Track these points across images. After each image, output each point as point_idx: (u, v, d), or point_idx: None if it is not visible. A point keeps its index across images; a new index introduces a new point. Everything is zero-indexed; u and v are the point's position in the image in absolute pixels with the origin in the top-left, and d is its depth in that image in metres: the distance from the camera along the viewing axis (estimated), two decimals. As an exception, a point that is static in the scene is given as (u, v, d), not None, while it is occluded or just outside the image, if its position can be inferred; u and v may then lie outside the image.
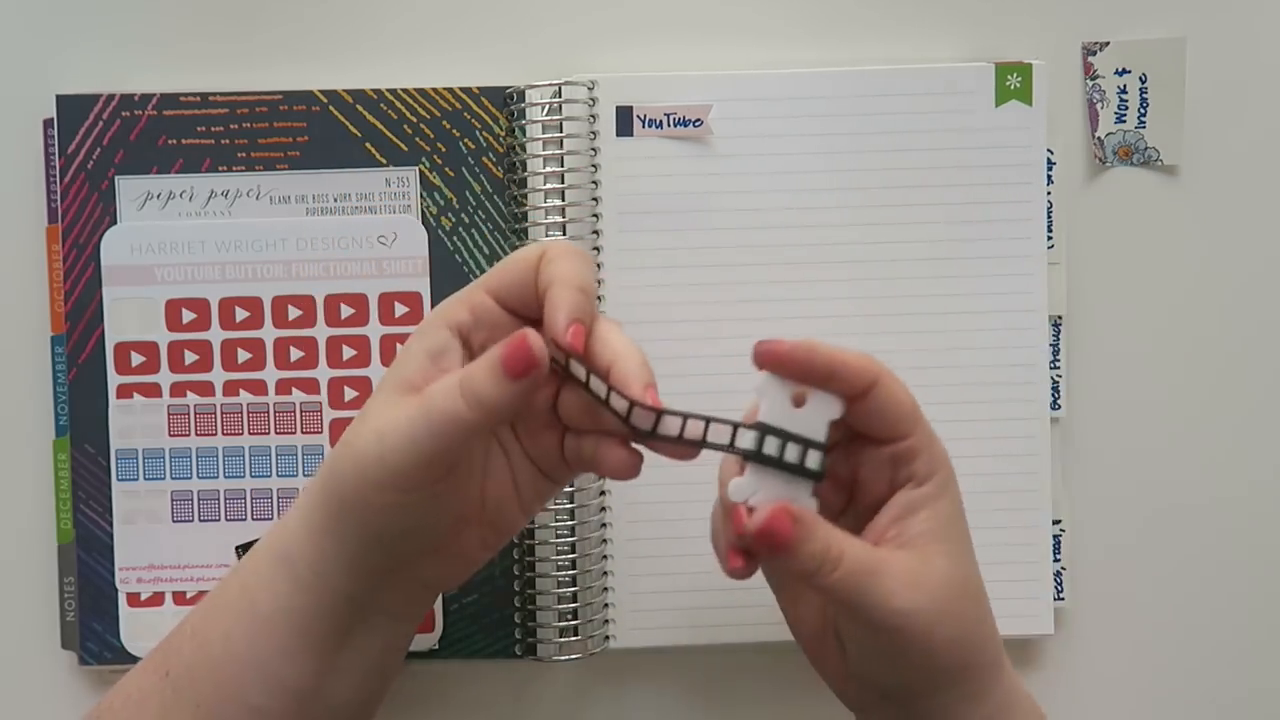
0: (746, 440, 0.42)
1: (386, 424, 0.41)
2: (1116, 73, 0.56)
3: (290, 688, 0.44)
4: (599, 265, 0.54)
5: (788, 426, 0.42)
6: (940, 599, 0.42)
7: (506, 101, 0.55)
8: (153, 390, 0.54)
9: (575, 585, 0.54)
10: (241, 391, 0.55)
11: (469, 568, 0.46)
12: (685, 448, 0.43)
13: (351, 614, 0.44)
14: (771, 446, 0.42)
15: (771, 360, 0.42)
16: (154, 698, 0.45)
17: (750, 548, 0.42)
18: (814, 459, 0.42)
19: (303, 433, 0.55)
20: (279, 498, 0.55)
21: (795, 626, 0.47)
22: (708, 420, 0.42)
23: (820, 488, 0.43)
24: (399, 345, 0.54)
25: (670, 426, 0.42)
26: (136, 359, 0.54)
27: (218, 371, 0.55)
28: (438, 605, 0.54)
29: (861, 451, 0.44)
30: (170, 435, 0.54)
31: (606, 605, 0.55)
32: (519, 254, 0.44)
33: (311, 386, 0.55)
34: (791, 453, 0.42)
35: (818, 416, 0.43)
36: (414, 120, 0.55)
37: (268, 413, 0.55)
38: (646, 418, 0.42)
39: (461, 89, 0.55)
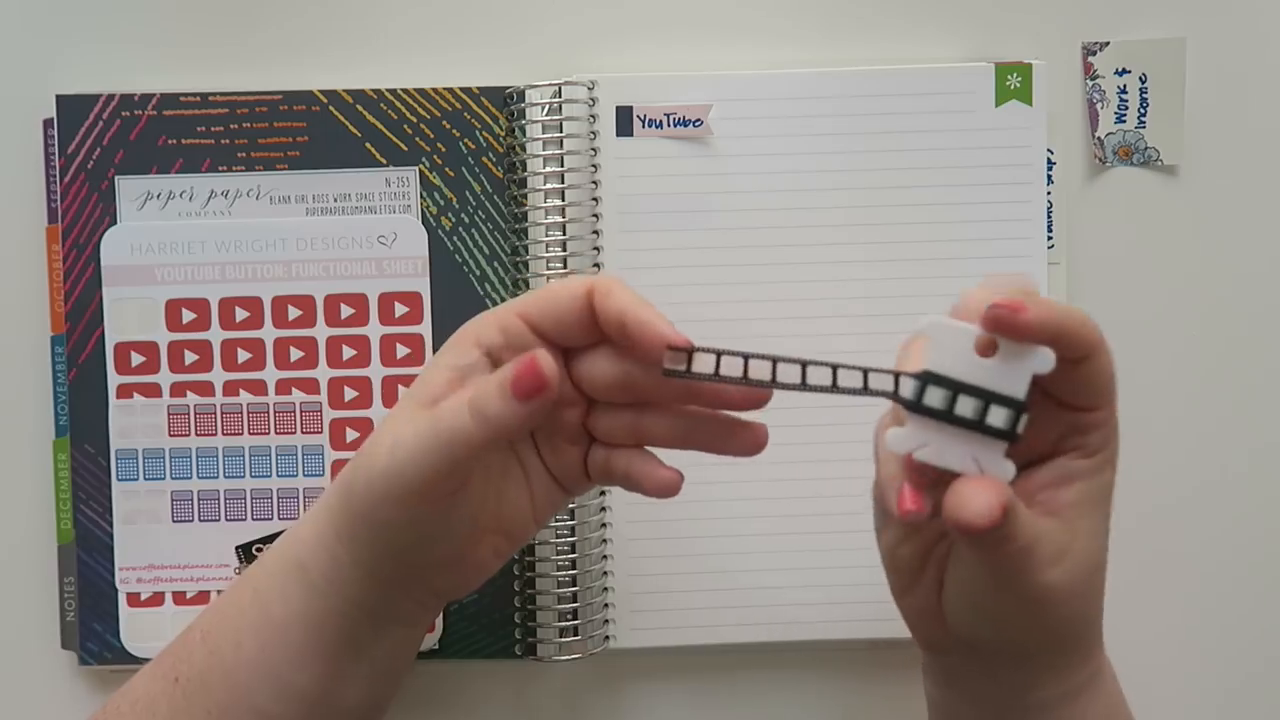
0: (907, 389, 0.38)
1: (399, 437, 0.41)
2: (1116, 73, 0.56)
3: (301, 693, 0.44)
4: (598, 265, 0.54)
5: (965, 377, 0.38)
6: (1079, 575, 0.41)
7: (506, 101, 0.55)
8: (153, 390, 0.54)
9: (575, 585, 0.54)
10: (241, 391, 0.55)
11: (481, 576, 0.46)
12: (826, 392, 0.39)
13: (363, 621, 0.44)
14: (936, 398, 0.38)
15: (1007, 329, 0.38)
16: (163, 701, 0.45)
17: (954, 530, 0.38)
18: (1000, 416, 0.38)
19: (303, 433, 0.54)
20: (279, 498, 0.55)
21: (891, 561, 0.45)
22: (834, 368, 0.39)
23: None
24: (399, 346, 0.54)
25: (818, 377, 0.39)
26: (136, 359, 0.54)
27: (218, 371, 0.55)
28: (438, 605, 0.54)
29: (1039, 405, 0.40)
30: (170, 435, 0.54)
31: (606, 605, 0.55)
32: (564, 286, 0.43)
33: (311, 386, 0.55)
34: (965, 406, 0.38)
35: (1015, 368, 0.38)
36: (414, 120, 0.55)
37: (268, 413, 0.55)
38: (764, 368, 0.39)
39: (461, 89, 0.55)
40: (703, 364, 0.40)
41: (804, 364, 0.40)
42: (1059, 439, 0.42)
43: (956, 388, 0.38)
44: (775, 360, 0.40)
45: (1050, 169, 0.55)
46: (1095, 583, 0.43)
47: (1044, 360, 0.38)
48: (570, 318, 0.43)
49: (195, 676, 0.44)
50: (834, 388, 0.39)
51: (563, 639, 0.54)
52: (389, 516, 0.42)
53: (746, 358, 0.40)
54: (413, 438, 0.41)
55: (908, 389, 0.38)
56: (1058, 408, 0.41)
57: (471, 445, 0.40)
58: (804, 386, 0.40)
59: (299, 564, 0.44)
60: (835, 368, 0.39)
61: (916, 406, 0.38)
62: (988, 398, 0.38)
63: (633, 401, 0.44)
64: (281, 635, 0.44)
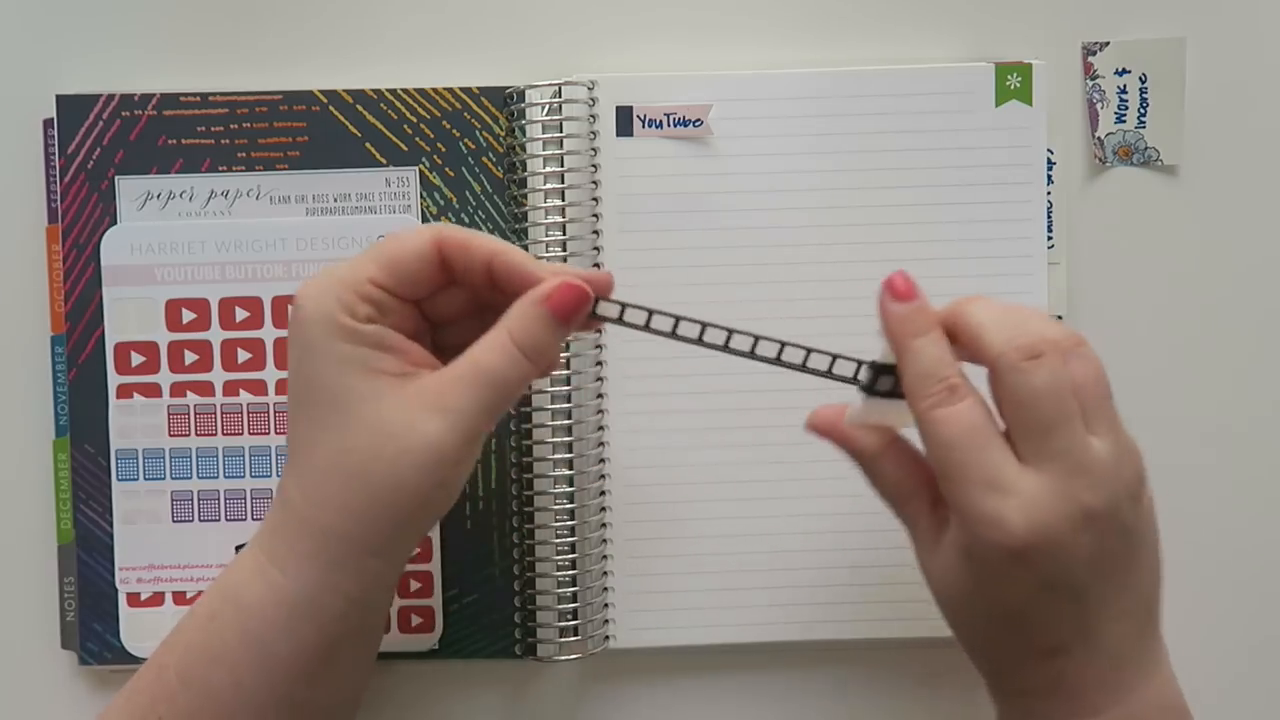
0: (864, 376, 0.45)
1: (446, 403, 0.42)
2: (1116, 73, 0.56)
3: (313, 704, 0.45)
4: (598, 265, 0.54)
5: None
6: (1034, 519, 0.41)
7: (506, 101, 0.55)
8: (153, 390, 0.54)
9: (575, 585, 0.54)
10: (241, 391, 0.55)
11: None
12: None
13: (371, 615, 0.46)
14: (887, 385, 0.45)
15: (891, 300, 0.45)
16: None
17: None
18: (886, 383, 0.45)
19: (303, 433, 0.54)
20: (279, 498, 0.55)
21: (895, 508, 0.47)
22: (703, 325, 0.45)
23: None
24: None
25: (784, 354, 0.46)
26: (136, 359, 0.54)
27: (218, 371, 0.55)
28: (438, 606, 0.54)
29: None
30: (170, 435, 0.54)
31: (606, 605, 0.55)
32: (407, 246, 0.44)
33: (311, 386, 0.54)
34: (885, 384, 0.45)
35: None
36: (414, 120, 0.55)
37: (268, 413, 0.55)
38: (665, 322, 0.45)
39: (461, 89, 0.55)
40: (634, 317, 0.45)
41: (756, 338, 0.46)
42: None
43: (883, 370, 0.45)
44: (705, 325, 0.46)
45: (1050, 169, 0.55)
46: (1077, 546, 0.41)
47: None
48: (422, 274, 0.45)
49: (183, 716, 0.44)
50: (804, 367, 0.46)
51: (563, 639, 0.54)
52: (446, 481, 0.44)
53: (677, 319, 0.46)
54: (470, 396, 0.43)
55: (865, 376, 0.45)
56: None
57: (525, 382, 0.44)
58: (753, 355, 0.46)
59: (307, 601, 0.44)
60: (809, 351, 0.46)
61: (870, 389, 0.45)
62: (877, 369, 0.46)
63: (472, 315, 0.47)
64: (291, 666, 0.44)
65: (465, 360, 0.43)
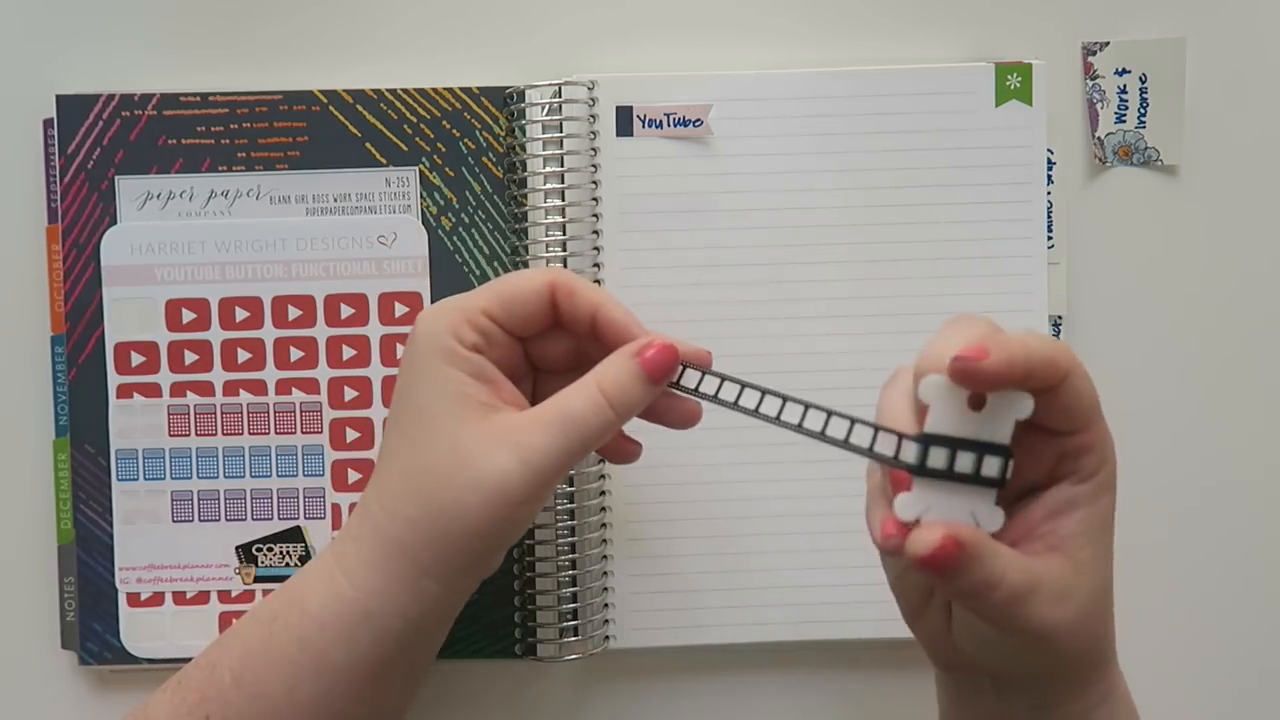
0: (909, 454, 0.39)
1: (522, 440, 0.43)
2: (1116, 73, 0.56)
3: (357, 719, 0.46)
4: (599, 265, 0.54)
5: (960, 432, 0.39)
6: (1086, 609, 0.41)
7: (506, 101, 0.55)
8: (153, 390, 0.54)
9: (575, 585, 0.54)
10: (241, 391, 0.55)
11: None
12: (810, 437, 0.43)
13: (427, 638, 0.47)
14: (939, 459, 0.39)
15: (973, 381, 0.39)
16: None
17: (914, 565, 0.39)
18: (993, 465, 0.39)
19: (303, 433, 0.54)
20: (279, 498, 0.55)
21: (898, 588, 0.45)
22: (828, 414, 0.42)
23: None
24: (399, 346, 0.54)
25: (817, 423, 0.42)
26: (136, 359, 0.54)
27: (218, 371, 0.55)
28: (438, 605, 0.54)
29: (1026, 436, 0.41)
30: (170, 435, 0.54)
31: (606, 605, 0.55)
32: (524, 283, 0.46)
33: (311, 386, 0.55)
34: (964, 462, 0.39)
35: (1001, 416, 0.39)
36: (414, 120, 0.55)
37: (268, 413, 0.55)
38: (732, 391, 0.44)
39: (461, 89, 0.55)
40: (707, 386, 0.45)
41: (806, 406, 0.43)
42: (1054, 466, 0.42)
43: (954, 444, 0.39)
44: (768, 393, 0.44)
45: (1050, 169, 0.55)
46: (1101, 609, 0.43)
47: (1024, 407, 0.40)
48: (533, 313, 0.46)
49: (234, 716, 0.45)
50: (846, 443, 0.41)
51: (563, 639, 0.54)
52: (512, 520, 0.44)
53: (743, 386, 0.44)
54: (551, 440, 0.43)
55: (910, 454, 0.40)
56: (1047, 435, 0.41)
57: (607, 432, 0.44)
58: (800, 429, 0.43)
59: (365, 613, 0.44)
60: (832, 415, 0.42)
61: (921, 470, 0.40)
62: (980, 449, 0.40)
63: (574, 368, 0.48)
64: (346, 678, 0.45)
65: (549, 403, 0.44)
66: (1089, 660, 0.43)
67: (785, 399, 0.43)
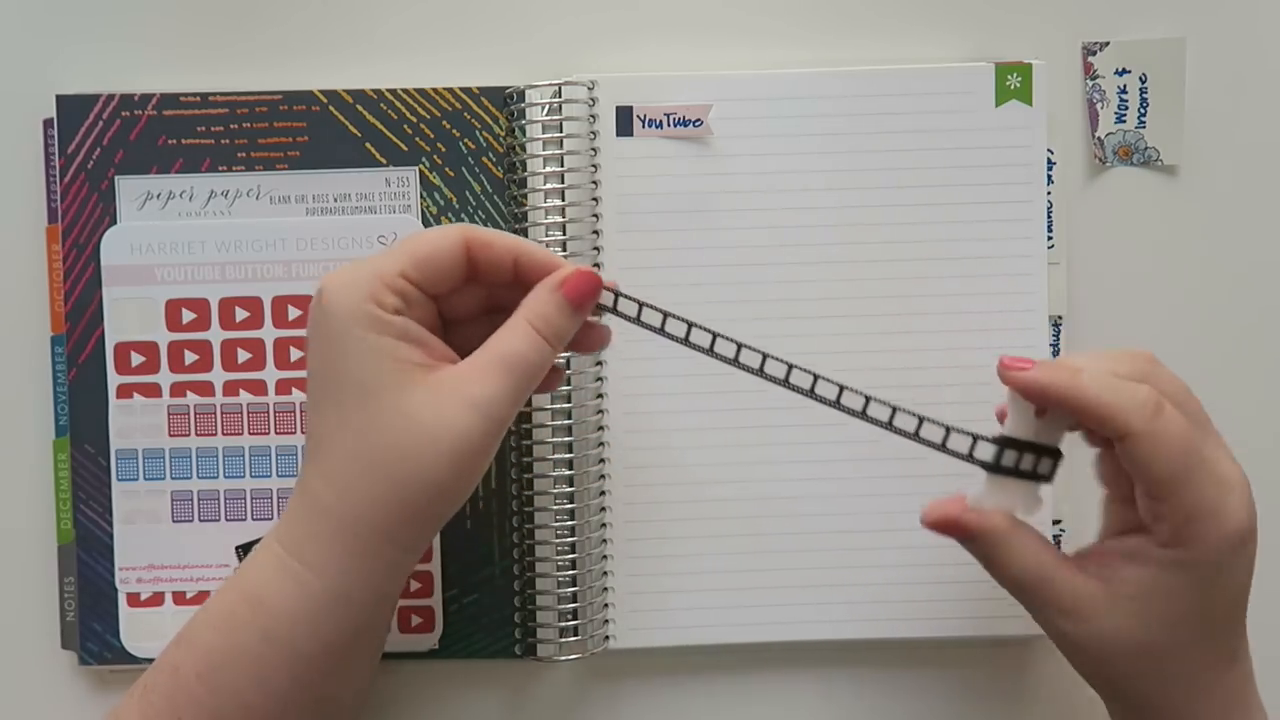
0: (985, 453, 0.45)
1: (473, 391, 0.43)
2: (1116, 73, 0.56)
3: (338, 699, 0.47)
4: (599, 265, 0.54)
5: (1029, 436, 0.45)
6: (1104, 646, 0.44)
7: (506, 101, 0.55)
8: (153, 390, 0.54)
9: (575, 585, 0.54)
10: (241, 391, 0.55)
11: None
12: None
13: (392, 605, 0.48)
14: (1010, 459, 0.45)
15: (1005, 381, 0.44)
16: None
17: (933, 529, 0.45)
18: (1047, 466, 0.45)
19: (302, 433, 0.54)
20: (279, 498, 0.55)
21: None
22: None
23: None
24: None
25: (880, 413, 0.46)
26: (136, 359, 0.54)
27: (218, 371, 0.55)
28: (438, 605, 0.54)
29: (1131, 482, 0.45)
30: (170, 435, 0.54)
31: (606, 605, 0.55)
32: (439, 244, 0.45)
33: (311, 386, 0.55)
34: (1027, 462, 0.45)
35: (1056, 424, 0.45)
36: (414, 120, 0.55)
37: (268, 413, 0.55)
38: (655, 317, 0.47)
39: (461, 89, 0.55)
40: (627, 307, 0.47)
41: (867, 399, 0.47)
42: (1145, 514, 0.44)
43: (1022, 447, 0.45)
44: (734, 343, 0.48)
45: (1050, 169, 0.55)
46: (1143, 667, 0.44)
47: (1068, 420, 0.45)
48: (450, 270, 0.46)
49: (206, 715, 0.44)
50: (915, 436, 0.46)
51: (563, 639, 0.54)
52: (475, 472, 0.44)
53: (690, 326, 0.47)
54: (499, 383, 0.44)
55: (987, 453, 0.45)
56: (1139, 489, 0.44)
57: (546, 366, 0.45)
58: (838, 406, 0.47)
59: (334, 597, 0.44)
60: (901, 414, 0.46)
61: (995, 467, 0.45)
62: (1039, 451, 0.45)
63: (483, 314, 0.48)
64: (317, 663, 0.45)
65: (487, 350, 0.45)
66: (1137, 702, 0.45)
67: (767, 356, 0.47)
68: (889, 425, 0.46)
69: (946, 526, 0.45)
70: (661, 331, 0.47)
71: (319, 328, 0.45)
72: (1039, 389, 0.43)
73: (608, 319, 0.48)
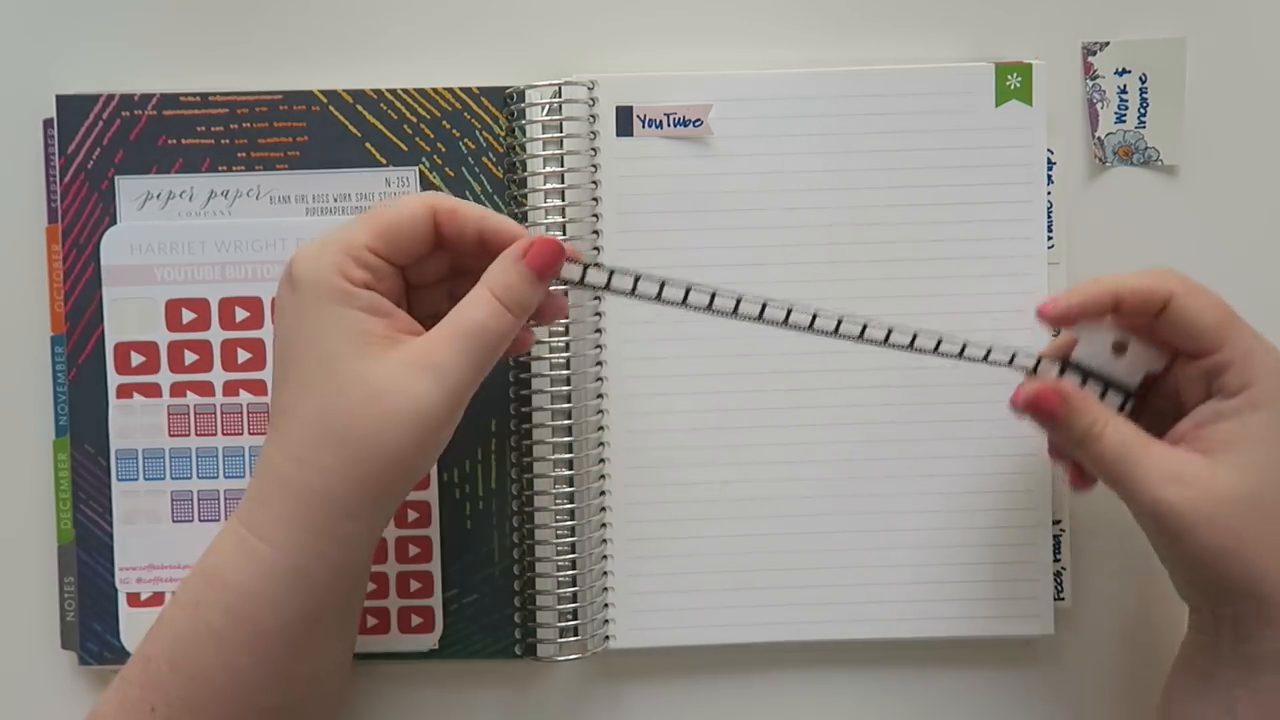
0: (1051, 371, 0.49)
1: (434, 361, 0.44)
2: (1116, 73, 0.56)
3: (307, 675, 0.46)
4: (599, 265, 0.54)
5: (1099, 368, 0.48)
6: (1211, 504, 0.44)
7: (506, 101, 0.55)
8: (153, 390, 0.54)
9: (575, 585, 0.54)
10: (241, 391, 0.55)
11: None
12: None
13: (358, 576, 0.47)
14: (1074, 380, 0.48)
15: (1044, 320, 0.48)
16: None
17: (1026, 414, 0.48)
18: (1115, 400, 0.48)
19: (303, 433, 0.54)
20: (279, 498, 0.55)
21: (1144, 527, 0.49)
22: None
23: (1150, 399, 0.49)
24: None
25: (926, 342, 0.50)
26: (136, 359, 0.54)
27: (218, 371, 0.55)
28: (438, 605, 0.54)
29: (1178, 365, 0.48)
30: (170, 435, 0.54)
31: (606, 605, 0.55)
32: (403, 215, 0.46)
33: (311, 386, 0.54)
34: (1092, 390, 0.48)
35: (1135, 366, 0.48)
36: (414, 120, 0.55)
37: (268, 413, 0.55)
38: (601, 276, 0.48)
39: (461, 89, 0.55)
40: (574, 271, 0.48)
41: (915, 334, 0.50)
42: (1206, 387, 0.47)
43: (1087, 373, 0.48)
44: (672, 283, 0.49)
45: (1050, 169, 0.55)
46: (1245, 522, 0.44)
47: (1155, 361, 0.48)
48: (417, 240, 0.46)
49: (177, 702, 0.44)
50: (985, 357, 0.49)
51: (563, 639, 0.54)
52: (435, 443, 0.44)
53: (662, 284, 0.49)
54: (458, 353, 0.44)
55: (1051, 371, 0.49)
56: (1189, 360, 0.47)
57: (509, 336, 0.45)
58: (912, 347, 0.50)
59: (290, 571, 0.44)
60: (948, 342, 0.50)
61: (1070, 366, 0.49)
62: (1107, 383, 0.48)
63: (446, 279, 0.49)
64: (281, 639, 0.45)
65: (449, 320, 0.45)
66: (1252, 581, 0.45)
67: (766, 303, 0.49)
68: (937, 350, 0.49)
69: (1042, 400, 0.47)
70: (633, 294, 0.48)
71: (285, 299, 0.45)
72: (1079, 304, 0.47)
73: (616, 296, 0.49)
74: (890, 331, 0.49)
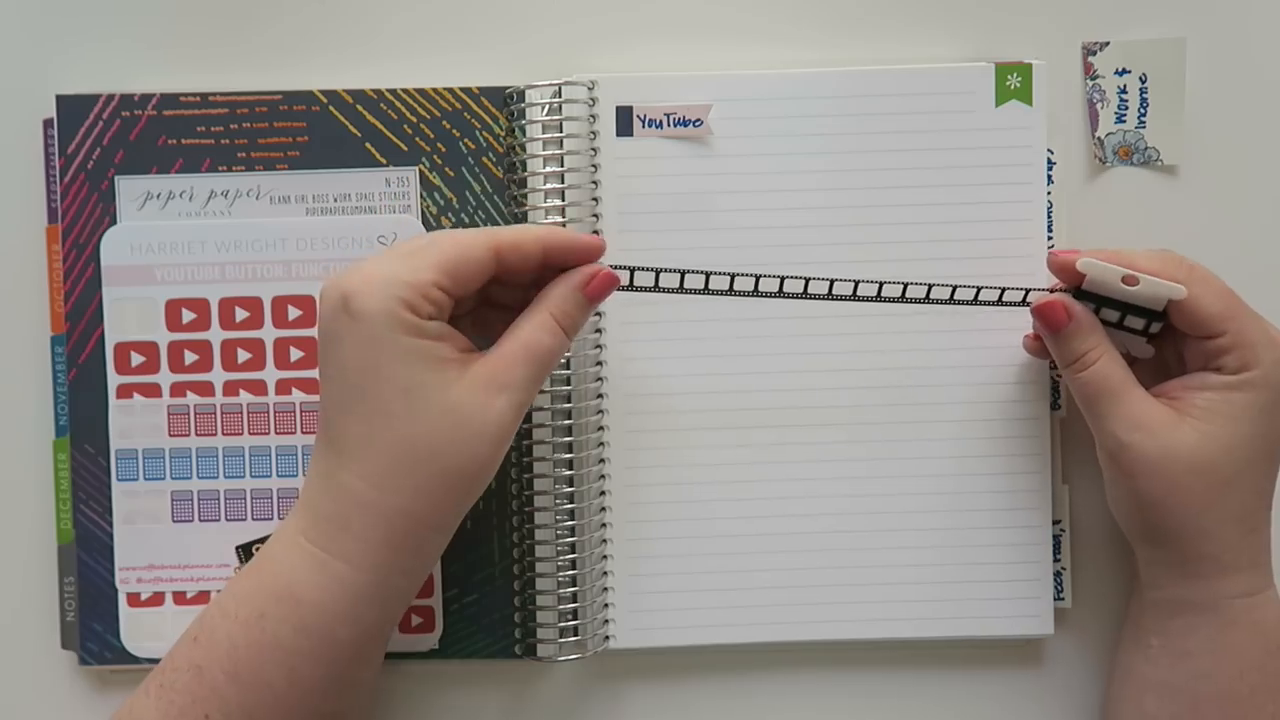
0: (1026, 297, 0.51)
1: (506, 381, 0.46)
2: (1116, 73, 0.56)
3: (353, 685, 0.48)
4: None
5: (1111, 295, 0.50)
6: (1161, 454, 0.48)
7: (506, 101, 0.55)
8: (153, 390, 0.54)
9: (575, 585, 0.54)
10: (241, 391, 0.55)
11: None
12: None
13: (418, 588, 0.49)
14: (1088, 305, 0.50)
15: (1052, 269, 0.51)
16: None
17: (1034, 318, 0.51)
18: (1137, 322, 0.50)
19: (302, 433, 0.54)
20: (279, 498, 0.55)
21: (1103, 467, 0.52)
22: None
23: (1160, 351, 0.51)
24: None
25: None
26: (136, 359, 0.54)
27: (218, 371, 0.55)
28: (438, 605, 0.54)
29: (1184, 338, 0.50)
30: (170, 435, 0.54)
31: (606, 605, 0.55)
32: (470, 256, 0.47)
33: (311, 386, 0.55)
34: (1109, 315, 0.50)
35: (1155, 291, 0.49)
36: (414, 120, 0.55)
37: (268, 413, 0.55)
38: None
39: (461, 89, 0.55)
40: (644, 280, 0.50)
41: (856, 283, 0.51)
42: (1206, 362, 0.49)
43: (1101, 301, 0.50)
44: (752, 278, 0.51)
45: (1050, 169, 0.55)
46: (1191, 481, 0.48)
47: (1176, 290, 0.49)
48: (480, 277, 0.47)
49: (236, 711, 0.45)
50: (998, 300, 0.51)
51: (563, 639, 0.54)
52: (501, 458, 0.47)
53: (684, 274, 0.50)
54: (525, 372, 0.46)
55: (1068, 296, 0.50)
56: (1193, 340, 0.50)
57: (561, 355, 0.48)
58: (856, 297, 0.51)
59: (374, 587, 0.46)
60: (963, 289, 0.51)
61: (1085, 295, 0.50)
62: (1124, 308, 0.50)
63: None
64: (350, 650, 0.46)
65: (515, 342, 0.47)
66: (1175, 535, 0.49)
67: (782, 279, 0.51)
68: (951, 299, 0.51)
69: (1051, 308, 0.50)
70: (656, 288, 0.50)
71: (346, 332, 0.45)
72: (1090, 250, 0.50)
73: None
74: (930, 287, 0.51)
